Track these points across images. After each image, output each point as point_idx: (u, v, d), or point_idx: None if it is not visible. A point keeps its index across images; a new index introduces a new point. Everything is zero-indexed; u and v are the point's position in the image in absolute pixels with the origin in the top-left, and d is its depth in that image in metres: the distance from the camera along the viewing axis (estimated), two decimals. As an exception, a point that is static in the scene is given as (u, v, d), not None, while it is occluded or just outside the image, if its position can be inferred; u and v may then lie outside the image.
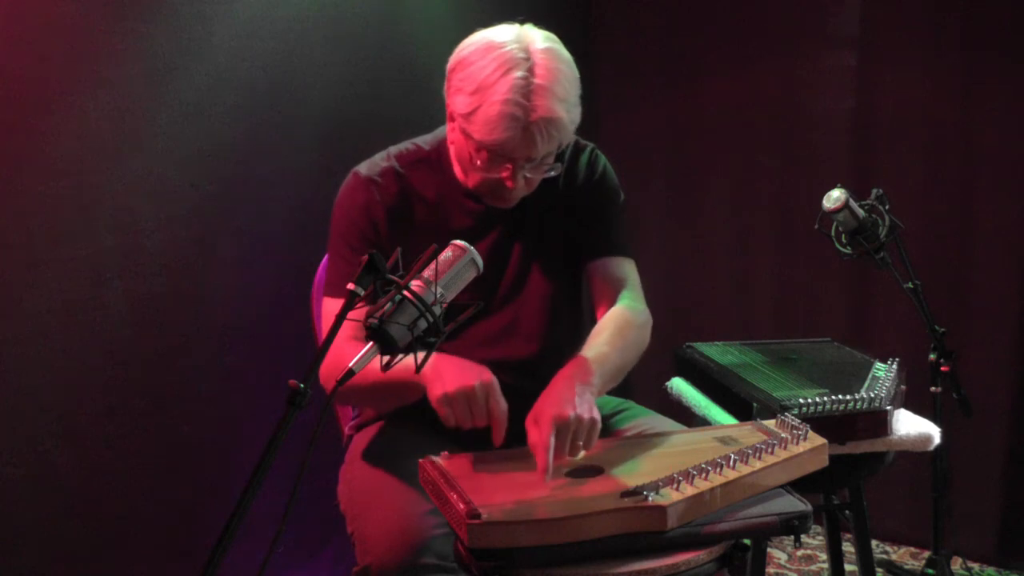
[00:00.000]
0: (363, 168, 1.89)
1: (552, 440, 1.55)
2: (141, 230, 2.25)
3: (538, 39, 1.74)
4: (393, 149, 1.92)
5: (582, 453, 1.62)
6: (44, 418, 2.11)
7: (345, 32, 2.67)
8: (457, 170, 1.87)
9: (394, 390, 1.72)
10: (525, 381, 1.79)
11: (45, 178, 2.08)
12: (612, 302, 1.91)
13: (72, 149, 2.11)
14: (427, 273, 1.44)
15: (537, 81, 1.68)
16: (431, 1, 2.91)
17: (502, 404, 1.60)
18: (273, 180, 2.53)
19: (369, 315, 1.38)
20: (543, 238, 1.92)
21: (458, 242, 1.51)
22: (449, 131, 1.84)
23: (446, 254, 1.49)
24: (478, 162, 1.76)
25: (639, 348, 1.88)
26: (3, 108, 1.99)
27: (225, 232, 2.43)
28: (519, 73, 1.68)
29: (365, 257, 1.41)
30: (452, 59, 1.78)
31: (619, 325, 1.86)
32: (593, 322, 1.92)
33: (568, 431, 1.58)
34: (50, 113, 2.07)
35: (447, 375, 1.61)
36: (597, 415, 1.63)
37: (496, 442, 1.60)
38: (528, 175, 1.78)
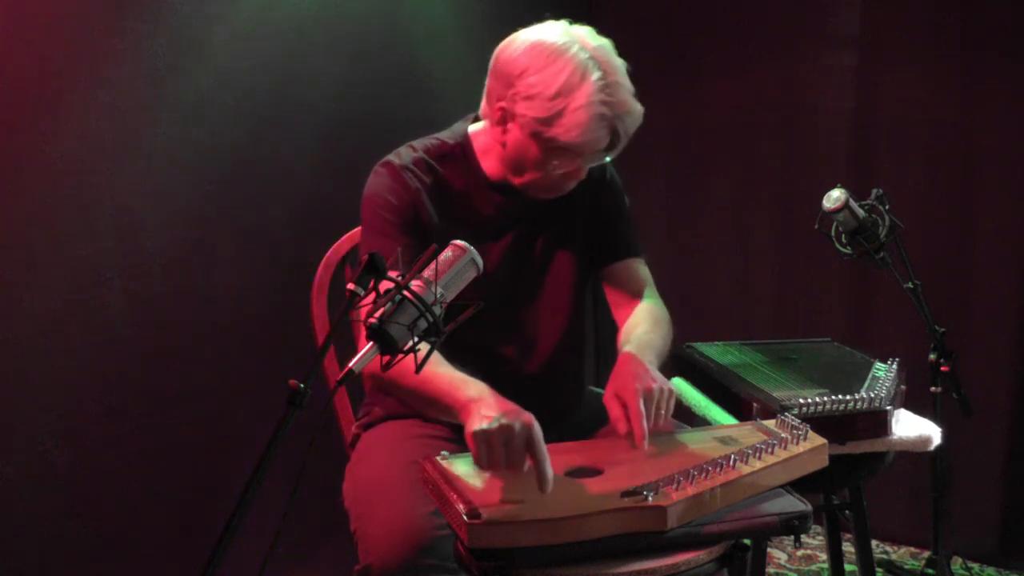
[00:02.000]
0: (395, 159, 1.89)
1: (642, 409, 1.60)
2: (141, 230, 2.25)
3: (588, 36, 1.78)
4: (416, 143, 1.93)
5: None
6: (44, 418, 2.11)
7: (345, 32, 2.67)
8: (487, 165, 1.90)
9: (434, 405, 1.69)
10: (542, 371, 1.87)
11: (45, 178, 2.08)
12: (635, 301, 1.98)
13: (72, 149, 2.11)
14: (427, 273, 1.44)
15: (612, 79, 1.74)
16: (431, 1, 2.91)
17: (543, 450, 1.50)
18: (273, 180, 2.53)
19: (369, 315, 1.39)
20: (564, 231, 1.96)
21: (458, 242, 1.51)
22: (499, 133, 1.83)
23: (446, 254, 1.49)
24: (555, 161, 1.78)
25: (670, 340, 1.95)
26: (3, 108, 1.99)
27: (225, 232, 2.43)
28: (597, 74, 1.73)
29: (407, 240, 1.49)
30: (507, 65, 1.78)
31: (654, 318, 1.94)
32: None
33: (652, 400, 1.63)
34: (50, 113, 2.07)
35: (489, 413, 1.54)
36: (672, 387, 1.69)
37: (541, 489, 1.47)
38: (589, 165, 1.84)
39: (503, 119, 1.81)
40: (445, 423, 1.82)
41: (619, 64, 1.78)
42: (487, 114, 1.87)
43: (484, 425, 1.50)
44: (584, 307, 2.01)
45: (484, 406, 1.55)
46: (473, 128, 1.93)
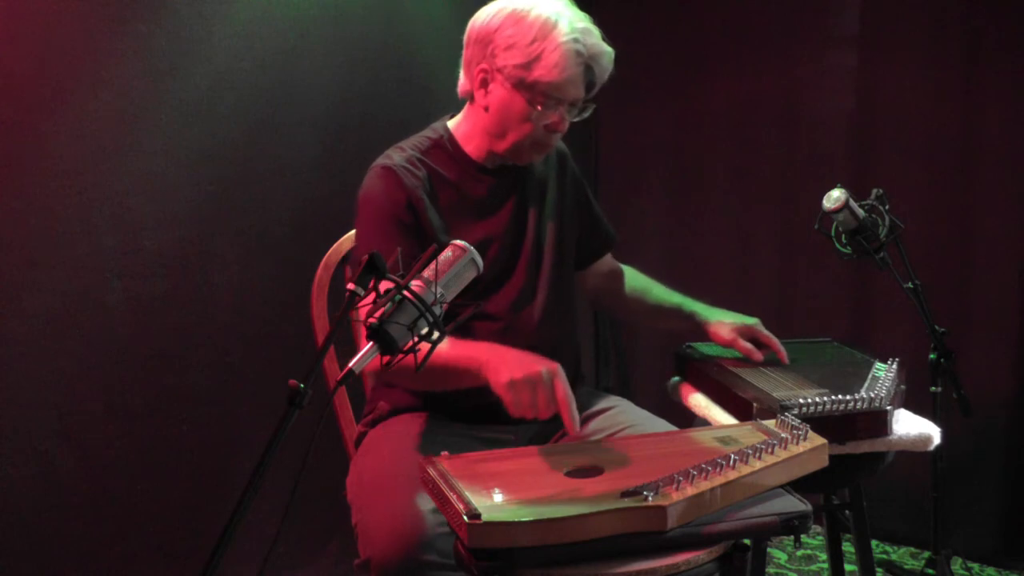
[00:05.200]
0: (388, 161, 1.94)
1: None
2: (141, 230, 2.25)
3: None
4: (403, 144, 1.99)
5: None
6: (44, 418, 2.11)
7: (345, 32, 2.67)
8: (471, 149, 1.97)
9: (451, 375, 1.73)
10: (546, 339, 1.95)
11: (45, 178, 2.08)
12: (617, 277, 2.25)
13: (72, 149, 2.11)
14: (427, 273, 1.44)
15: (580, 25, 1.87)
16: (431, 1, 2.91)
17: (569, 392, 1.60)
18: (273, 180, 2.53)
19: (369, 315, 1.39)
20: (551, 206, 2.04)
21: (458, 242, 1.52)
22: (481, 96, 1.91)
23: (446, 254, 1.49)
24: (539, 107, 1.86)
25: None
26: (3, 108, 2.00)
27: (225, 232, 2.43)
28: (566, 19, 1.86)
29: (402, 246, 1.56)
30: (481, 32, 1.88)
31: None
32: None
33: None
34: (50, 113, 2.07)
35: (513, 362, 1.64)
36: None
37: (570, 430, 1.59)
38: (570, 118, 1.92)
39: (485, 81, 1.90)
40: (448, 419, 1.86)
41: (584, 15, 1.90)
42: (465, 88, 1.96)
43: (512, 375, 1.59)
44: (572, 277, 2.13)
45: (506, 358, 1.65)
46: (452, 122, 2.02)
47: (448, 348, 1.69)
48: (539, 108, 1.87)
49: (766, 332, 2.15)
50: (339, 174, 2.62)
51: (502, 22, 1.87)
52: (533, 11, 1.86)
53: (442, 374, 1.74)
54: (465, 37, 1.93)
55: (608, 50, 1.90)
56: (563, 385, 1.60)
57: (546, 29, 1.84)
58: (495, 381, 1.63)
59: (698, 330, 2.18)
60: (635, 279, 2.26)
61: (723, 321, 2.15)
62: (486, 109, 1.91)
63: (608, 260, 2.25)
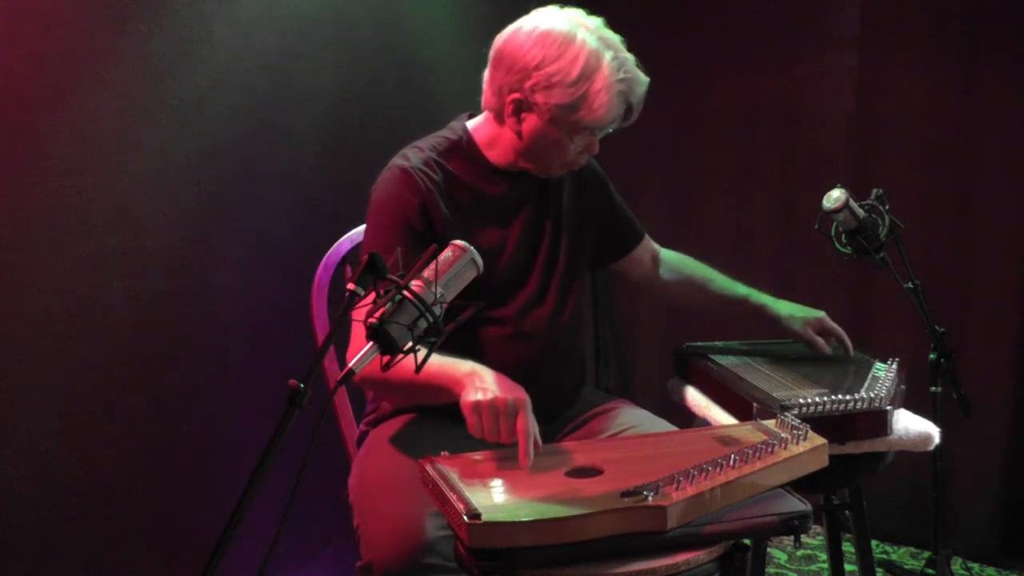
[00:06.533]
0: (404, 162, 1.93)
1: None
2: (141, 230, 2.25)
3: (584, 17, 1.86)
4: (421, 143, 1.98)
5: None
6: (44, 418, 2.11)
7: (345, 32, 2.67)
8: (491, 155, 1.96)
9: (429, 390, 1.72)
10: (557, 345, 1.97)
11: (45, 178, 2.08)
12: (669, 270, 2.28)
13: (72, 149, 2.11)
14: (427, 273, 1.44)
15: (621, 56, 1.84)
16: (431, 1, 2.91)
17: (531, 424, 1.60)
18: (273, 180, 2.53)
19: (369, 315, 1.39)
20: (566, 211, 2.04)
21: (458, 242, 1.52)
22: (513, 123, 1.89)
23: (446, 254, 1.49)
24: (576, 139, 1.87)
25: None
26: (3, 108, 1.99)
27: (225, 232, 2.43)
28: (609, 54, 1.82)
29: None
30: (518, 58, 1.83)
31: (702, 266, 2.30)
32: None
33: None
34: (50, 113, 2.07)
35: (483, 385, 1.63)
36: None
37: (522, 463, 1.58)
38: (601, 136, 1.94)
39: (518, 110, 1.87)
40: (449, 420, 1.84)
41: (619, 39, 1.87)
42: (492, 106, 1.92)
43: (477, 396, 1.60)
44: (585, 284, 2.14)
45: (478, 379, 1.64)
46: (471, 123, 1.99)
47: (434, 363, 1.65)
48: (576, 140, 1.88)
49: (832, 323, 2.24)
50: (339, 174, 2.62)
51: (543, 54, 1.81)
52: (574, 42, 1.80)
53: (422, 388, 1.72)
54: (493, 54, 1.88)
55: (644, 79, 1.87)
56: (526, 418, 1.60)
57: (590, 67, 1.80)
58: (462, 400, 1.63)
59: (764, 320, 2.24)
60: (695, 267, 2.29)
61: (794, 315, 2.22)
62: (518, 134, 1.89)
63: (649, 247, 2.26)
